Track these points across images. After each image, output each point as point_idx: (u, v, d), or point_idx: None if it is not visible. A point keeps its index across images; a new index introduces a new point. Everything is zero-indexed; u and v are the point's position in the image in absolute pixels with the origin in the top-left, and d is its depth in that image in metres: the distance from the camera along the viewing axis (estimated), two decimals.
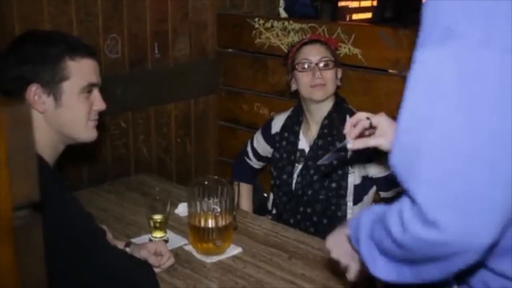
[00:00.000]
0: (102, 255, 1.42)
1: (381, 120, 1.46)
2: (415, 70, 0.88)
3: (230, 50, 3.03)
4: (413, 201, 0.87)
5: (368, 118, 1.45)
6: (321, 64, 2.24)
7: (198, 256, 1.85)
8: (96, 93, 1.62)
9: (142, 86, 2.70)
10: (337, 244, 1.28)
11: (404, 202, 0.90)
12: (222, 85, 3.09)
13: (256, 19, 2.86)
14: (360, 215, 1.12)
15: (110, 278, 1.41)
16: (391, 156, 0.91)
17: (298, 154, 2.35)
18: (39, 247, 0.73)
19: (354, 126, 1.49)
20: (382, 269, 1.02)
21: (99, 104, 1.62)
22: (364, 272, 1.19)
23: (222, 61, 3.05)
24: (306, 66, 2.26)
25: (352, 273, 1.27)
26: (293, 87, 2.34)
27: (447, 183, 0.84)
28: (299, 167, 2.33)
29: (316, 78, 2.23)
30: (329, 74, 2.25)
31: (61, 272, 1.34)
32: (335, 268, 1.76)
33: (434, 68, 0.86)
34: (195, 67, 2.95)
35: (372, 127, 1.46)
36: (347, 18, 3.96)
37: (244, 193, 2.53)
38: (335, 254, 1.29)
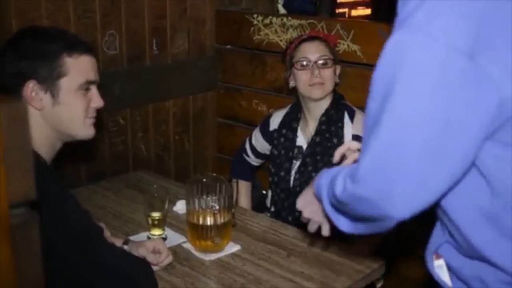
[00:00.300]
0: (99, 253, 1.41)
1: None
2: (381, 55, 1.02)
3: (228, 46, 3.01)
4: (358, 164, 1.04)
5: (359, 150, 1.46)
6: (320, 63, 2.24)
7: (197, 253, 1.85)
8: (94, 90, 1.61)
9: (140, 83, 2.69)
10: (307, 204, 1.41)
11: (352, 166, 1.10)
12: (220, 82, 3.08)
13: (255, 16, 2.85)
14: (320, 176, 1.27)
15: (108, 276, 1.40)
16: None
17: (296, 151, 2.34)
18: (36, 245, 0.72)
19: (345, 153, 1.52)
20: (343, 224, 1.20)
21: (97, 101, 1.61)
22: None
23: (221, 57, 3.04)
24: (304, 64, 2.25)
25: (325, 230, 1.42)
26: (291, 84, 2.33)
27: (384, 154, 0.99)
28: (297, 164, 2.32)
29: (314, 77, 2.22)
30: (327, 73, 2.24)
31: (58, 270, 1.33)
32: (334, 266, 1.76)
33: (390, 54, 0.99)
34: (194, 63, 2.94)
35: (359, 150, 1.47)
36: (346, 15, 3.95)
37: (243, 191, 2.52)
38: (306, 214, 1.43)
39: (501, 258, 1.06)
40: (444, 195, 1.07)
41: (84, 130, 1.59)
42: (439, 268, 1.20)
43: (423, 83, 0.95)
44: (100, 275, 1.39)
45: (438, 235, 1.21)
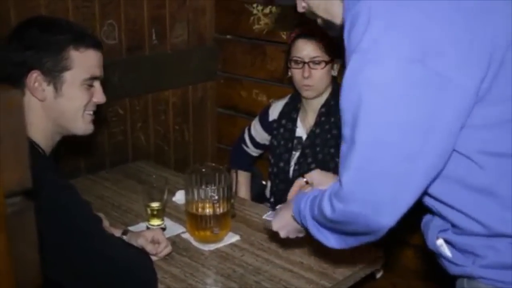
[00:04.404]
0: (97, 243, 1.41)
1: (312, 175, 1.64)
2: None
3: (228, 36, 3.00)
4: (340, 183, 1.13)
5: (303, 177, 1.64)
6: (312, 63, 2.22)
7: (196, 244, 1.84)
8: (97, 86, 1.60)
9: (140, 73, 2.67)
10: (284, 226, 1.53)
11: (334, 186, 1.18)
12: (220, 72, 3.06)
13: (255, 5, 2.83)
14: (298, 202, 1.38)
15: (106, 266, 1.39)
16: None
17: (295, 141, 2.33)
18: (32, 235, 0.72)
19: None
20: (334, 242, 1.30)
21: (99, 97, 1.60)
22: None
23: (220, 47, 3.02)
24: (298, 62, 2.24)
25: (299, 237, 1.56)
26: (289, 73, 2.32)
27: (363, 166, 1.08)
28: (296, 154, 2.31)
29: (305, 78, 2.21)
30: (319, 73, 2.22)
31: (56, 260, 1.33)
32: (333, 256, 1.76)
33: (350, 80, 1.09)
34: (193, 53, 2.92)
35: (307, 183, 1.62)
36: None
37: (242, 181, 2.52)
38: (283, 234, 1.55)
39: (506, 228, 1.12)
40: (432, 190, 1.16)
41: (83, 125, 1.58)
42: (441, 247, 1.25)
43: (385, 96, 1.04)
44: (98, 265, 1.39)
45: (435, 227, 1.26)
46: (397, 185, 1.08)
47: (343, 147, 1.13)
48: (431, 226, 1.27)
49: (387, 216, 1.10)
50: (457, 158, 1.11)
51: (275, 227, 1.55)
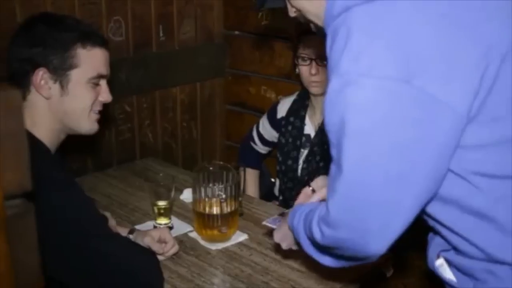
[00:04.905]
0: (102, 242, 1.39)
1: (317, 181, 1.55)
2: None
3: (236, 32, 2.97)
4: (327, 208, 1.08)
5: (309, 185, 1.54)
6: (319, 60, 2.18)
7: (203, 243, 1.82)
8: (103, 84, 1.58)
9: (147, 70, 2.65)
10: (284, 238, 1.46)
11: (321, 209, 1.13)
12: (228, 68, 3.04)
13: None
14: (292, 216, 1.33)
15: (111, 266, 1.38)
16: None
17: (303, 139, 2.30)
18: (33, 238, 0.70)
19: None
20: (329, 262, 1.25)
21: (105, 96, 1.58)
22: None
23: (229, 43, 3.00)
24: (305, 58, 2.21)
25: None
26: (297, 70, 2.29)
27: (349, 193, 1.03)
28: (304, 152, 2.28)
29: (312, 75, 2.18)
30: (326, 70, 2.18)
31: (60, 258, 1.32)
32: None
33: (332, 102, 1.03)
34: (201, 50, 2.89)
35: (314, 191, 1.53)
36: None
37: (250, 179, 2.49)
38: (284, 246, 1.48)
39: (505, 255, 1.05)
40: (430, 210, 1.11)
41: (88, 124, 1.56)
42: (441, 267, 1.20)
43: (367, 118, 0.98)
44: (102, 265, 1.37)
45: (436, 245, 1.21)
46: (385, 212, 1.02)
47: (332, 167, 1.08)
48: (432, 244, 1.22)
49: (376, 244, 1.05)
50: (453, 179, 1.05)
51: (276, 238, 1.51)
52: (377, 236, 1.04)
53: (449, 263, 1.18)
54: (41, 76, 1.46)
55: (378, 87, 0.96)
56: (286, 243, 1.47)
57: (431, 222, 1.17)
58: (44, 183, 1.31)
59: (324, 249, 1.22)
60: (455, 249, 1.14)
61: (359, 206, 1.03)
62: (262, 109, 2.75)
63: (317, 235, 1.15)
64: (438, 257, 1.20)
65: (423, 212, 1.12)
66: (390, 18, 0.98)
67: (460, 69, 0.96)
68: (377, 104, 0.97)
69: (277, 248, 1.67)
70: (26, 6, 2.14)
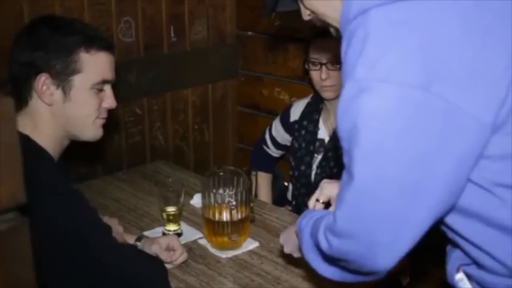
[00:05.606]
0: (104, 252, 1.34)
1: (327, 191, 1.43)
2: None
3: (249, 33, 2.91)
4: (334, 218, 1.03)
5: (317, 200, 1.43)
6: (330, 65, 2.13)
7: (213, 250, 1.77)
8: (108, 90, 1.53)
9: (158, 71, 2.61)
10: (288, 241, 1.43)
11: (329, 218, 1.08)
12: (241, 70, 2.98)
13: None
14: (300, 222, 1.26)
15: (112, 277, 1.33)
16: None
17: (317, 144, 2.24)
18: (27, 251, 0.68)
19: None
20: (328, 272, 1.20)
21: (110, 102, 1.53)
22: None
23: (241, 44, 2.95)
24: (315, 63, 2.16)
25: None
26: (309, 74, 2.23)
27: (358, 203, 0.98)
28: (318, 157, 2.22)
29: (323, 80, 2.13)
30: (337, 74, 2.13)
31: (62, 270, 1.28)
32: None
33: (346, 107, 0.97)
34: (213, 51, 2.84)
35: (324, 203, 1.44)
36: None
37: (263, 183, 2.43)
38: (287, 250, 1.45)
39: None
40: (450, 222, 1.05)
41: (92, 131, 1.51)
42: (461, 282, 1.14)
43: (384, 126, 0.92)
44: (103, 276, 1.32)
45: (456, 258, 1.15)
46: (396, 224, 0.96)
47: (344, 175, 1.03)
48: (451, 257, 1.16)
49: (383, 258, 0.99)
50: (475, 190, 0.98)
51: (281, 240, 1.47)
52: (386, 250, 0.99)
53: (470, 277, 1.12)
54: (43, 82, 1.42)
55: (396, 93, 0.90)
56: (290, 248, 1.44)
57: (451, 235, 1.12)
58: (45, 191, 1.27)
59: (329, 259, 1.16)
60: (476, 263, 1.09)
61: (368, 218, 0.98)
62: (275, 111, 2.70)
63: (324, 245, 1.09)
64: (458, 271, 1.14)
65: (442, 224, 1.07)
66: (409, 23, 0.92)
67: (485, 76, 0.91)
68: (394, 112, 0.91)
69: (287, 255, 1.62)
70: (34, 7, 2.11)
